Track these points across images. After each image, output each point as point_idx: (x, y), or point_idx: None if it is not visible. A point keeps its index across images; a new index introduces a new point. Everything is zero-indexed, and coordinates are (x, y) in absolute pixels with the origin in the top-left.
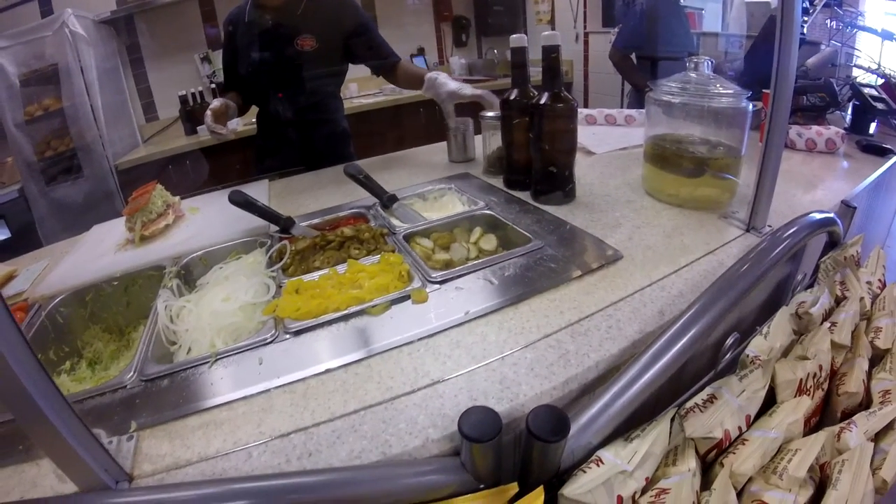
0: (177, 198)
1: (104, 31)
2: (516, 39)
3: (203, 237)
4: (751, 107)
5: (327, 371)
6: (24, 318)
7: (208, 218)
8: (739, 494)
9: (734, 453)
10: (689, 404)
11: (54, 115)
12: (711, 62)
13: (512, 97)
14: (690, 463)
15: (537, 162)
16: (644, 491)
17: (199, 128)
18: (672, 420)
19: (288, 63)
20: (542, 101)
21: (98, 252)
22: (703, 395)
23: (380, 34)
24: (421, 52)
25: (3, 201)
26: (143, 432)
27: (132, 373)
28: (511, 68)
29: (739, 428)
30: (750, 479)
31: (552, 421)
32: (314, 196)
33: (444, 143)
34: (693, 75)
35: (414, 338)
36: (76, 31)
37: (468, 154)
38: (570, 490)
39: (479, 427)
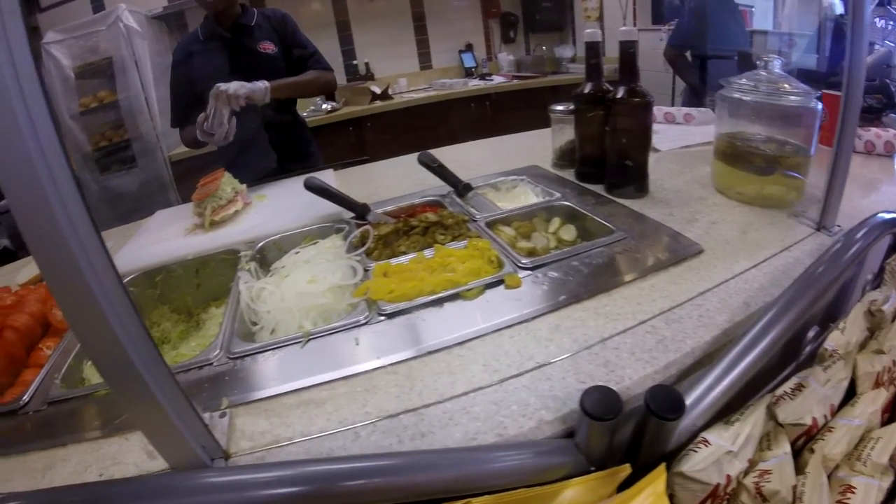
0: (244, 185)
1: (156, 27)
2: (590, 34)
3: (274, 223)
4: (820, 106)
5: (429, 353)
6: None
7: (276, 205)
8: (827, 480)
9: (823, 440)
10: (778, 392)
11: (109, 107)
12: (781, 61)
13: (586, 91)
14: (785, 447)
15: (612, 155)
16: (747, 472)
17: None
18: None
19: (258, 66)
20: (619, 96)
21: (165, 235)
22: (791, 383)
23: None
24: (469, 48)
25: None
26: (235, 409)
27: (218, 350)
28: (585, 62)
29: (825, 416)
30: (836, 466)
31: (669, 400)
32: (381, 184)
33: (496, 139)
34: (763, 73)
35: (513, 321)
36: (130, 25)
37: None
38: (687, 467)
39: (601, 406)
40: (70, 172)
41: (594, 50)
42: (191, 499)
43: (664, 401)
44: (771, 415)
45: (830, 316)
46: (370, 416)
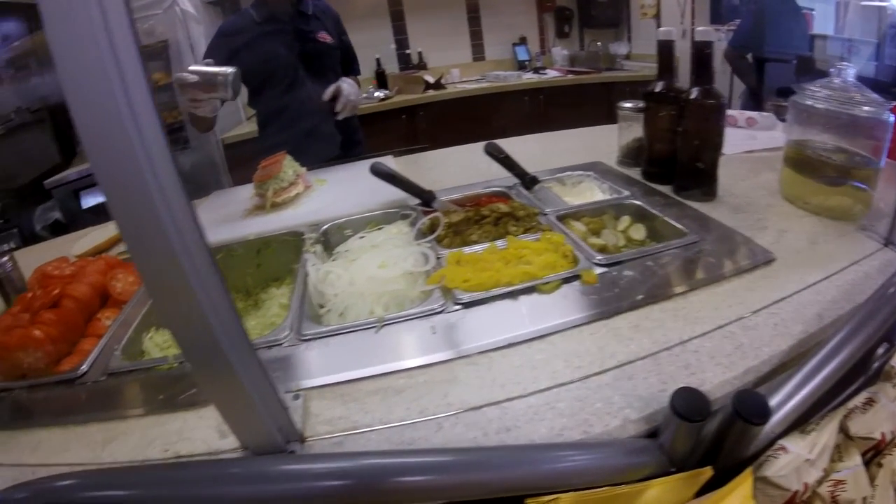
0: (304, 168)
1: (212, 12)
2: (664, 32)
3: (337, 207)
4: (892, 118)
5: (509, 345)
6: None
7: (337, 189)
8: None
9: (891, 455)
10: (850, 405)
11: (163, 89)
12: (855, 69)
13: (657, 89)
14: (856, 459)
15: (683, 156)
16: (820, 481)
17: None
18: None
19: (319, 56)
20: (693, 96)
21: (223, 216)
22: (862, 398)
23: None
24: (523, 41)
25: None
26: (308, 392)
27: (287, 331)
28: (657, 60)
29: (893, 432)
30: None
31: (756, 404)
32: (443, 172)
33: (554, 133)
34: (837, 81)
35: (592, 318)
36: (186, 9)
37: None
38: (771, 472)
39: (691, 407)
40: (162, 137)
41: (667, 48)
42: (278, 486)
43: (751, 405)
44: (841, 427)
45: (893, 333)
46: (452, 407)
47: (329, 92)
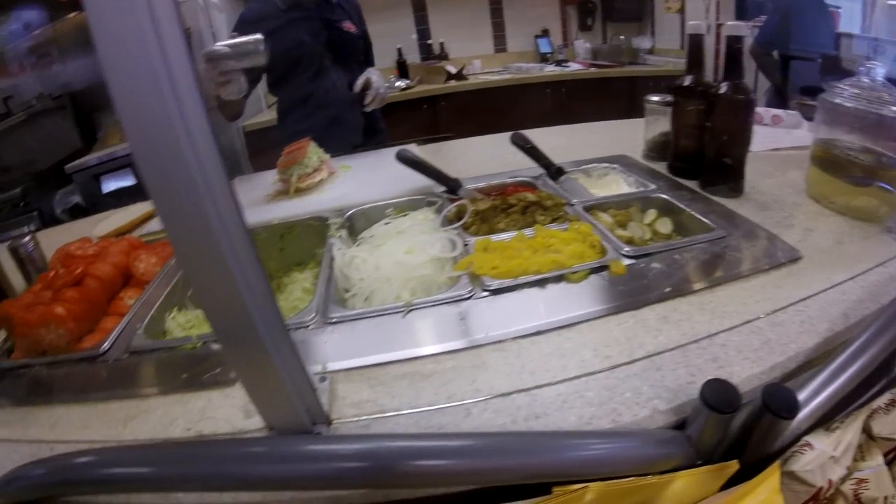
0: (328, 155)
1: (234, 0)
2: (693, 26)
3: (361, 193)
4: None
5: (538, 333)
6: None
7: (362, 176)
8: None
9: None
10: (873, 405)
11: None
12: (885, 69)
13: (685, 83)
14: (878, 459)
15: (711, 151)
16: (843, 479)
17: None
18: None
19: (344, 45)
20: (723, 91)
21: (247, 201)
22: (885, 398)
23: None
24: (545, 33)
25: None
26: (335, 375)
27: (314, 314)
28: (687, 54)
29: None
30: None
31: (785, 398)
32: (468, 162)
33: (578, 126)
34: (865, 80)
35: (620, 308)
36: None
37: None
38: (797, 467)
39: (721, 399)
40: (204, 116)
41: (697, 42)
42: (303, 465)
43: (780, 399)
44: (864, 427)
45: None
46: (481, 393)
47: (360, 83)
